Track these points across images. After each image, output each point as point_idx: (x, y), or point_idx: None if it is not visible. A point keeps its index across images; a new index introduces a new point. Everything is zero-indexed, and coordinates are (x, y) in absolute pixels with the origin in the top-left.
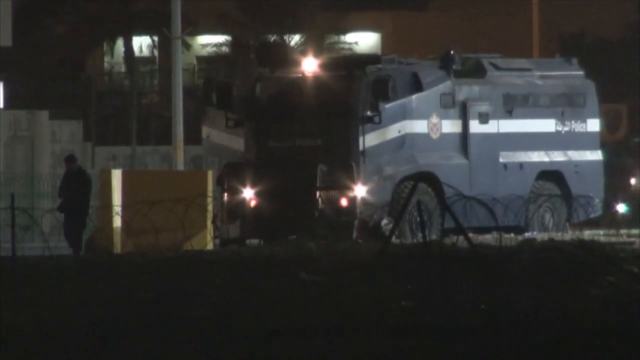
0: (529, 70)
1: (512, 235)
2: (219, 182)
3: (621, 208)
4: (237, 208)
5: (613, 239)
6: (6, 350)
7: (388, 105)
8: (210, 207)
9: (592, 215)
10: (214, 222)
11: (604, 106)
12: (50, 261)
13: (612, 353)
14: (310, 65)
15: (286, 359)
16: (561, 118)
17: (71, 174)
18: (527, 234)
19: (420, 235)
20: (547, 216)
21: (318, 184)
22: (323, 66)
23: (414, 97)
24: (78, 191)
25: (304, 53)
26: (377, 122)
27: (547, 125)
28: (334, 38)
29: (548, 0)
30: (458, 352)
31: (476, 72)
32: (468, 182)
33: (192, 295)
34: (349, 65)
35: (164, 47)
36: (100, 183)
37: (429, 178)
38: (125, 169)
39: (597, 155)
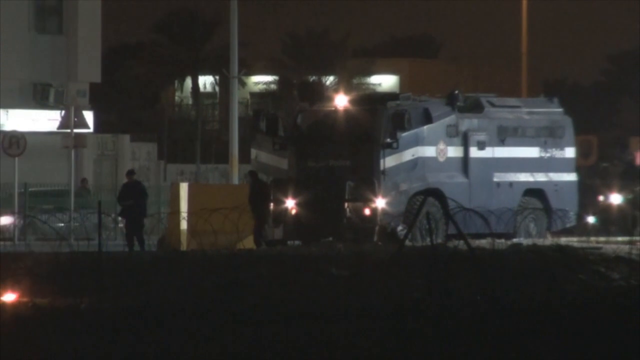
0: (518, 107)
1: (503, 240)
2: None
3: (591, 220)
4: (281, 215)
5: (584, 245)
6: (96, 329)
7: (404, 134)
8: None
9: (568, 225)
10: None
11: (578, 137)
12: (129, 257)
13: (582, 335)
14: (341, 101)
15: (319, 337)
16: (544, 146)
17: (130, 186)
18: (515, 240)
19: (428, 239)
20: (532, 225)
21: (346, 197)
22: (352, 102)
23: (425, 127)
24: (137, 199)
25: (336, 91)
26: (395, 147)
27: (532, 152)
28: (361, 79)
29: (535, 51)
30: (457, 333)
31: (475, 108)
32: (468, 197)
33: (244, 285)
34: (373, 101)
35: (224, 84)
36: (170, 193)
37: (436, 193)
38: (191, 182)
39: (572, 177)
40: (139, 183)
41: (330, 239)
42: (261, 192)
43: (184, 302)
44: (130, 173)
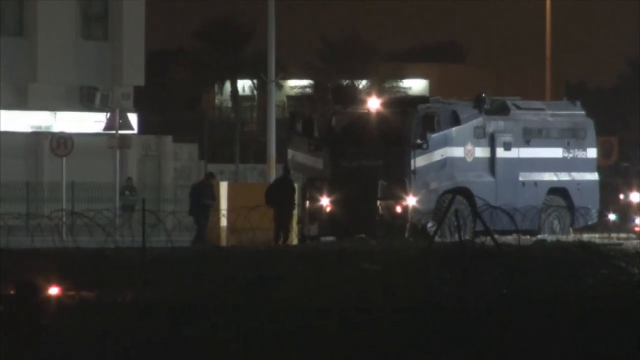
0: (542, 109)
1: (528, 237)
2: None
3: (612, 217)
4: (316, 212)
5: (605, 241)
6: (138, 321)
7: (434, 135)
8: (295, 212)
9: (590, 222)
10: (299, 222)
11: (600, 138)
12: (172, 252)
13: (602, 326)
14: (374, 104)
15: (351, 328)
16: (567, 147)
17: (204, 186)
18: (539, 236)
19: (457, 235)
20: (555, 222)
21: (379, 195)
22: (384, 104)
23: (453, 129)
24: (212, 198)
25: (369, 94)
26: (425, 148)
27: (556, 152)
28: (393, 83)
29: (558, 55)
30: (484, 325)
31: (502, 110)
32: (494, 195)
33: (280, 279)
34: (404, 104)
35: (262, 88)
36: None
37: (464, 192)
38: (230, 181)
39: (594, 176)
40: (212, 185)
41: (363, 235)
42: (289, 188)
43: (222, 295)
44: (211, 176)
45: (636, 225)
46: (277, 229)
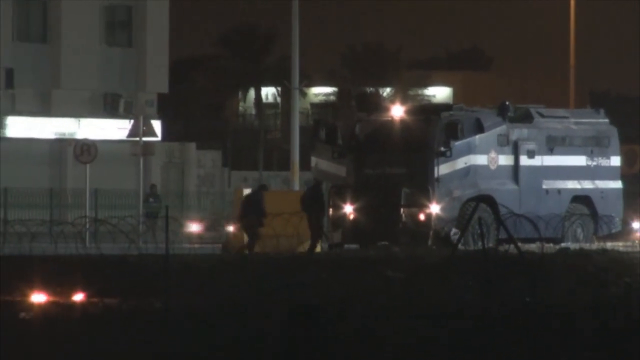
0: (566, 117)
1: (552, 245)
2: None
3: (636, 225)
4: (340, 220)
5: (629, 249)
6: (161, 326)
7: (457, 143)
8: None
9: (614, 231)
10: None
11: (623, 146)
12: (195, 259)
13: (624, 336)
14: (398, 111)
15: (372, 334)
16: (590, 155)
17: (255, 196)
18: (563, 244)
19: (480, 243)
20: (579, 230)
21: (402, 203)
22: (407, 112)
23: (477, 137)
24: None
25: (393, 102)
26: (448, 155)
27: (579, 160)
28: (417, 91)
29: (582, 63)
30: (507, 333)
31: (525, 118)
32: (518, 203)
33: (304, 286)
34: (428, 112)
35: (285, 95)
36: (234, 199)
37: (488, 199)
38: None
39: (617, 184)
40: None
41: (386, 243)
42: (320, 199)
43: (245, 301)
44: (263, 187)
45: (637, 231)
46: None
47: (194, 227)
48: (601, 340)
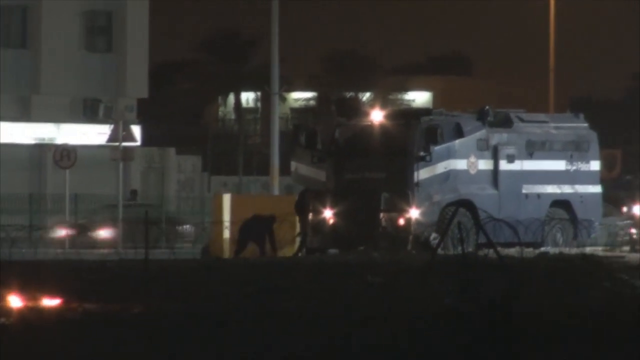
0: (546, 122)
1: (531, 249)
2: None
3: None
4: (319, 225)
5: (608, 254)
6: (138, 332)
7: (437, 148)
8: (298, 223)
9: (593, 235)
10: (299, 234)
11: (603, 151)
12: (174, 264)
13: (604, 338)
14: (377, 116)
15: (352, 340)
16: (570, 159)
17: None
18: (542, 249)
19: (460, 248)
20: (558, 235)
21: (382, 208)
22: (387, 117)
23: (457, 141)
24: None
25: (372, 106)
26: (428, 160)
27: (559, 165)
28: (397, 95)
29: (562, 68)
30: (487, 337)
31: (505, 123)
32: (497, 207)
33: (283, 291)
34: (408, 116)
35: (265, 100)
36: (214, 204)
37: (467, 204)
38: (233, 193)
39: (597, 189)
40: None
41: (366, 247)
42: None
43: (225, 307)
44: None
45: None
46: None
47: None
48: (581, 343)
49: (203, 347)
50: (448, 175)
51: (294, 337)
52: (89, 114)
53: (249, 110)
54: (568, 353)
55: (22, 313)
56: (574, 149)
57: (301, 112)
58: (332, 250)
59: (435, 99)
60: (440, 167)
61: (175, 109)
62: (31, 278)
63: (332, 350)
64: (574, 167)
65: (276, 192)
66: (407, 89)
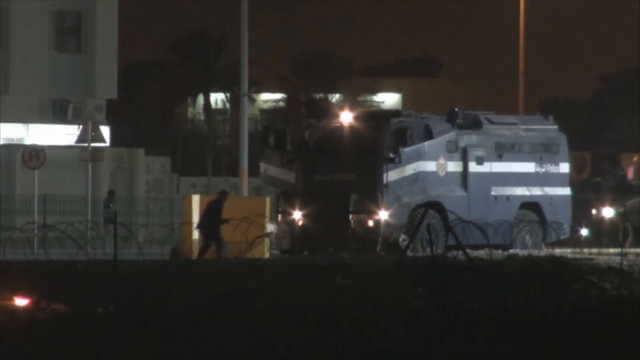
0: (515, 124)
1: (500, 251)
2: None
3: (584, 232)
4: (288, 226)
5: (578, 256)
6: (107, 332)
7: (406, 149)
8: (267, 225)
9: (562, 237)
10: (267, 235)
11: (572, 153)
12: (144, 264)
13: (573, 339)
14: (347, 118)
15: (324, 342)
16: (539, 161)
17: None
18: (511, 251)
19: (429, 250)
20: (527, 237)
21: (351, 209)
22: (357, 118)
23: (426, 143)
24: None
25: (342, 108)
26: (397, 162)
27: (528, 167)
28: (366, 97)
29: (531, 70)
30: (455, 338)
31: (474, 125)
32: (467, 209)
33: (252, 292)
34: (377, 118)
35: (235, 101)
36: (183, 205)
37: (436, 206)
38: (202, 194)
39: (566, 191)
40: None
41: (335, 249)
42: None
43: (194, 308)
44: (223, 193)
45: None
46: None
47: (142, 233)
48: (552, 345)
49: (155, 349)
50: (417, 177)
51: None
52: (58, 114)
53: (218, 111)
54: (538, 354)
55: None
56: (543, 151)
57: (270, 113)
58: (304, 252)
59: (404, 100)
60: (410, 169)
61: (145, 110)
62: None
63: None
64: (544, 169)
65: (245, 193)
66: (376, 91)
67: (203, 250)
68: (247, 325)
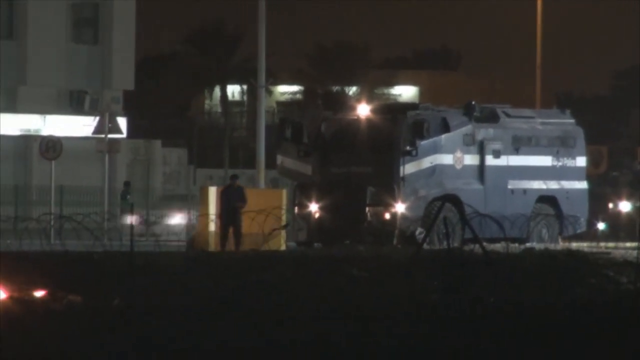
0: (532, 117)
1: (517, 245)
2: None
3: (601, 226)
4: (305, 218)
5: (594, 250)
6: (123, 324)
7: (423, 142)
8: (284, 217)
9: (579, 231)
10: (284, 227)
11: (589, 147)
12: (160, 256)
13: (591, 334)
14: (364, 110)
15: (339, 336)
16: (556, 155)
17: (232, 189)
18: (528, 244)
19: (445, 243)
20: (544, 231)
21: (368, 202)
22: (374, 111)
23: (443, 136)
24: (238, 203)
25: (359, 101)
26: (414, 155)
27: (545, 160)
28: (383, 90)
29: (549, 64)
30: (473, 332)
31: (491, 118)
32: (483, 203)
33: (268, 284)
34: (394, 111)
35: (252, 93)
36: (200, 196)
37: (453, 199)
38: (219, 186)
39: (583, 185)
40: (242, 188)
41: (351, 241)
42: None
43: (211, 300)
44: (234, 178)
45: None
46: None
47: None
48: (566, 341)
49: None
50: (434, 170)
51: (276, 332)
52: (75, 105)
53: (235, 103)
54: (554, 349)
55: (7, 305)
56: (560, 145)
57: (287, 105)
58: (317, 244)
59: (421, 93)
60: (426, 162)
61: (162, 102)
62: (16, 269)
63: (314, 345)
64: (560, 163)
65: (262, 185)
66: (393, 84)
67: (235, 240)
68: (252, 321)
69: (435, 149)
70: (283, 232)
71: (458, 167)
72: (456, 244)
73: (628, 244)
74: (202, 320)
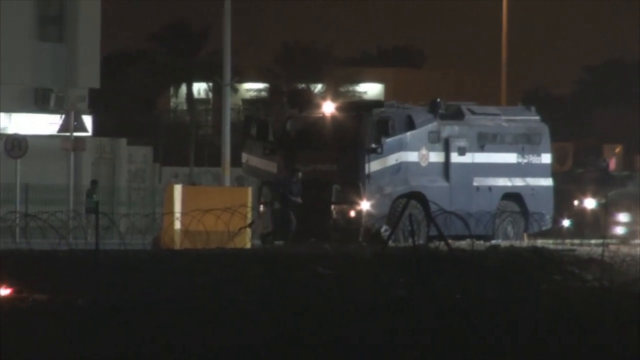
0: (497, 115)
1: (482, 242)
2: None
3: (566, 223)
4: (270, 216)
5: (559, 247)
6: (85, 321)
7: (388, 140)
8: (249, 215)
9: (544, 228)
10: (249, 225)
11: (554, 144)
12: (125, 254)
13: (554, 332)
14: (329, 108)
15: (306, 333)
16: (521, 152)
17: (290, 181)
18: (493, 241)
19: (410, 240)
20: (509, 228)
21: (333, 200)
22: (339, 109)
23: (408, 134)
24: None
25: (324, 98)
26: (379, 152)
27: (510, 157)
28: (348, 87)
29: (514, 61)
30: (436, 329)
31: (457, 115)
32: (449, 200)
33: (234, 282)
34: (359, 108)
35: (217, 91)
36: (165, 195)
37: (418, 196)
38: (184, 184)
39: (548, 182)
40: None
41: (317, 239)
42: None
43: (176, 297)
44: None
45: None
46: None
47: (124, 223)
48: (532, 336)
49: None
50: (399, 167)
51: (244, 329)
52: (40, 103)
53: (200, 101)
54: (517, 346)
55: None
56: (525, 142)
57: (253, 103)
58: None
59: (386, 91)
60: (392, 159)
61: (127, 100)
62: None
63: (281, 342)
64: (526, 160)
65: (227, 183)
66: (358, 81)
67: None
68: (220, 318)
69: (401, 147)
70: (248, 230)
71: (423, 164)
72: (421, 242)
73: (593, 241)
74: (168, 316)
